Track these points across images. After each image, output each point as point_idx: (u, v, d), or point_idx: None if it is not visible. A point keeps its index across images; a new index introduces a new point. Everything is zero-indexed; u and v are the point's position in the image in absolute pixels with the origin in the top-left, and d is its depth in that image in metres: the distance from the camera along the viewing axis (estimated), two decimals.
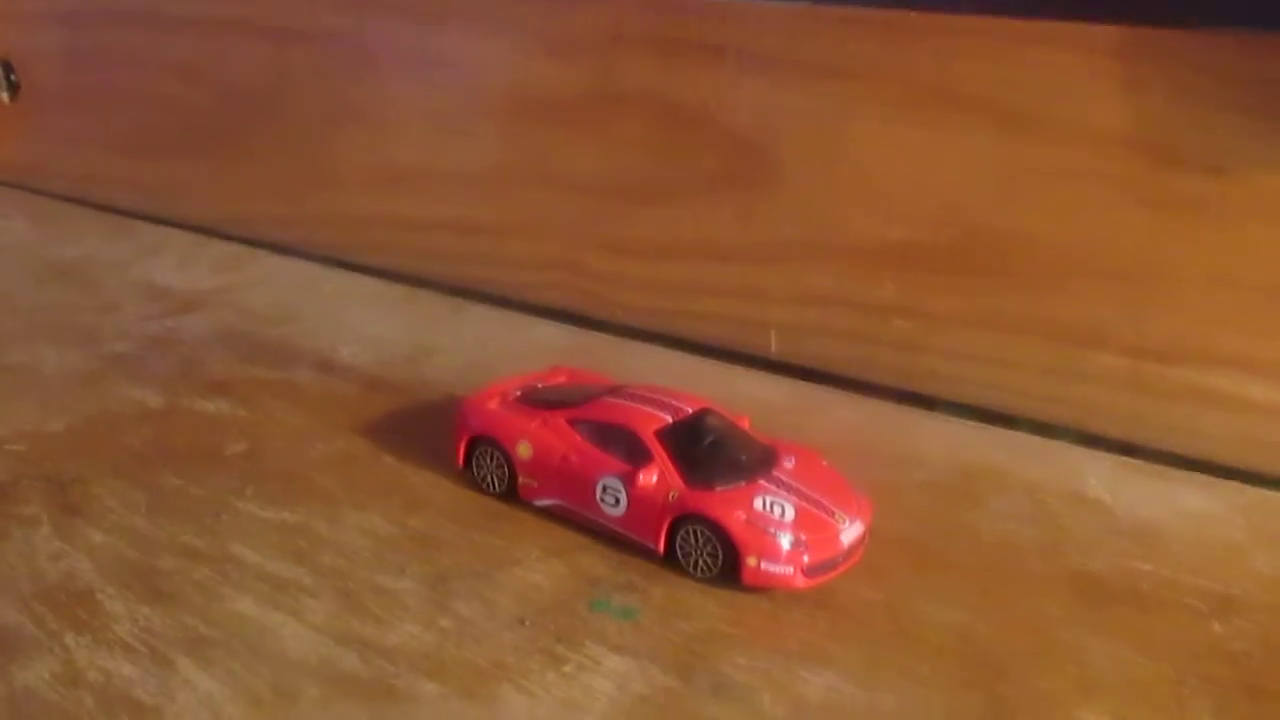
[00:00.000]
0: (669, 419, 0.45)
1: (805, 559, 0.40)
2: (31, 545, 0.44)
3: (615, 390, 0.48)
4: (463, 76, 0.71)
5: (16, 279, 0.77)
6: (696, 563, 0.42)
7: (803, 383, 0.62)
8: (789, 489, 0.43)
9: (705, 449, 0.44)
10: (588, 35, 0.65)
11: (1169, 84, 0.50)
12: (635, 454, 0.44)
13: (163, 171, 0.90)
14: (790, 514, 0.41)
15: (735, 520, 0.41)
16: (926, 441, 0.55)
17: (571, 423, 0.46)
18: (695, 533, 0.42)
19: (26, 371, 0.61)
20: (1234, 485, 0.51)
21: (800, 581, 0.41)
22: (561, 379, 0.53)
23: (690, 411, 0.46)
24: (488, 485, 0.48)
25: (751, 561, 0.40)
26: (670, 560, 0.43)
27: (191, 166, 0.88)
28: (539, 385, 0.51)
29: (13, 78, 0.99)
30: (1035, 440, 0.55)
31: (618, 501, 0.44)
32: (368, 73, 0.76)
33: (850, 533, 0.42)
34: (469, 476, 0.49)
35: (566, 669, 0.37)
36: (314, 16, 0.77)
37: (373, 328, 0.69)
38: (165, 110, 0.88)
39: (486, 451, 0.48)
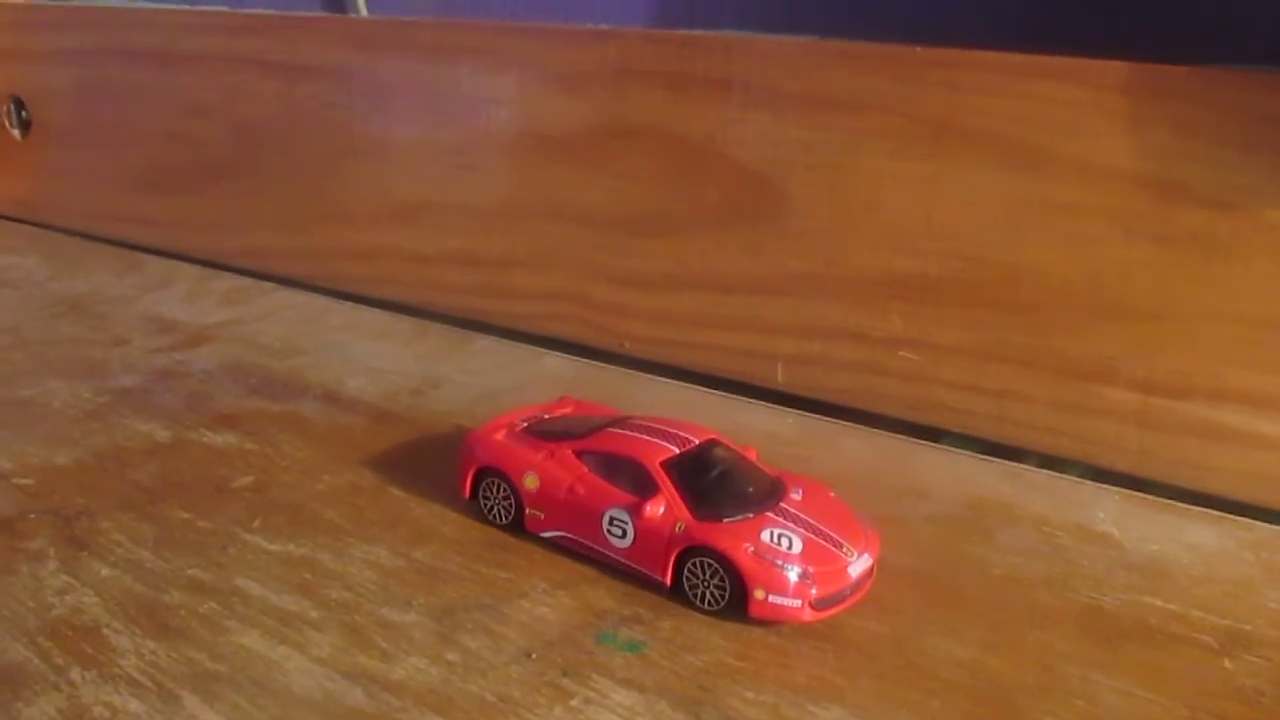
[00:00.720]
0: (676, 450, 0.45)
1: (813, 592, 0.40)
2: (38, 580, 0.44)
3: (622, 422, 0.48)
4: (470, 111, 0.72)
5: (26, 313, 0.77)
6: (703, 595, 0.42)
7: (810, 415, 0.62)
8: (796, 521, 0.42)
9: (712, 481, 0.44)
10: (595, 69, 0.66)
11: (1175, 120, 0.50)
12: (642, 486, 0.44)
13: (172, 206, 0.91)
14: (798, 546, 0.41)
15: (742, 552, 0.41)
16: (933, 474, 0.55)
17: (578, 454, 0.46)
18: (702, 565, 0.42)
19: (35, 405, 0.61)
20: (1244, 521, 0.51)
21: (808, 615, 0.40)
22: (568, 410, 0.53)
23: (697, 443, 0.46)
24: (494, 517, 0.48)
25: (759, 594, 0.40)
26: (677, 593, 0.43)
27: (200, 201, 0.89)
28: (546, 417, 0.51)
29: (24, 114, 1.00)
30: (1043, 474, 0.55)
31: (624, 533, 0.43)
32: (376, 107, 0.76)
33: (858, 566, 0.42)
34: (475, 508, 0.49)
35: (573, 703, 0.37)
36: (323, 52, 0.78)
37: (380, 360, 0.69)
38: (175, 146, 0.89)
39: (493, 483, 0.48)
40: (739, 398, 0.64)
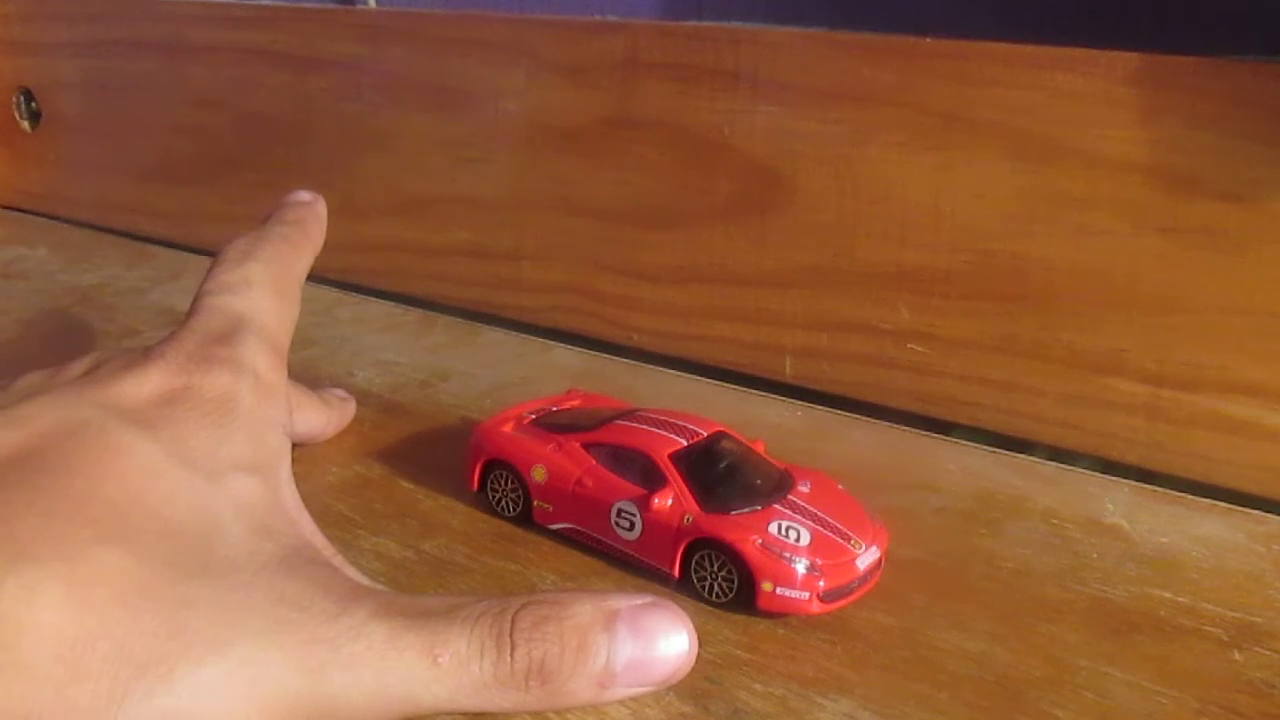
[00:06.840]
0: (684, 443, 0.45)
1: (821, 584, 0.40)
2: None
3: (630, 414, 0.48)
4: (478, 103, 0.72)
5: (37, 305, 0.78)
6: (711, 588, 0.42)
7: (818, 407, 0.62)
8: (805, 514, 0.42)
9: (720, 473, 0.44)
10: (602, 61, 0.66)
11: (1186, 111, 0.50)
12: (650, 478, 0.44)
13: (182, 198, 0.91)
14: (806, 539, 0.41)
15: (750, 545, 0.41)
16: (942, 467, 0.55)
17: (586, 447, 0.46)
18: (710, 557, 0.42)
19: None
20: (1254, 514, 0.51)
21: (816, 607, 0.40)
22: (576, 403, 0.53)
23: (705, 436, 0.46)
24: (502, 509, 0.48)
25: (767, 587, 0.40)
26: (685, 585, 0.43)
27: (211, 193, 0.89)
28: (554, 409, 0.51)
29: (34, 106, 1.00)
30: (1052, 467, 0.55)
31: (632, 526, 0.44)
32: (385, 100, 0.76)
33: (866, 558, 0.42)
34: (484, 501, 0.49)
35: None
36: (332, 44, 0.78)
37: (388, 352, 0.69)
38: (185, 138, 0.89)
39: (501, 475, 0.48)
40: (747, 390, 0.64)
